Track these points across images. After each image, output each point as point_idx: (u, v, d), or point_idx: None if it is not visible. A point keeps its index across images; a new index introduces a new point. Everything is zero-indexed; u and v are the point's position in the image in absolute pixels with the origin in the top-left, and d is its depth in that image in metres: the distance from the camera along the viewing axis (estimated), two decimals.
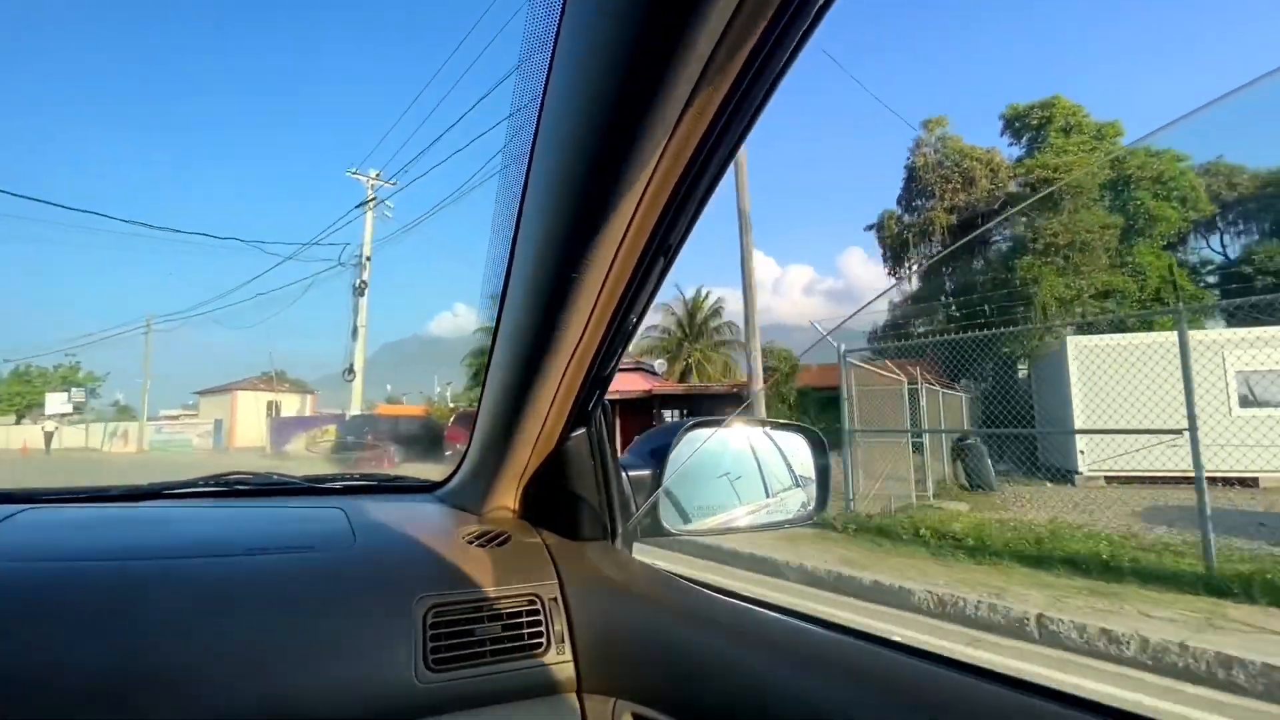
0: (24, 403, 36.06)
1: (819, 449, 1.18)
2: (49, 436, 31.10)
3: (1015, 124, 19.36)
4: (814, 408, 20.02)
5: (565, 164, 0.54)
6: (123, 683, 0.62)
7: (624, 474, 0.95)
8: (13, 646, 0.61)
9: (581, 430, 0.89)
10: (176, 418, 33.26)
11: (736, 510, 1.15)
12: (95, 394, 38.58)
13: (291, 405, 32.32)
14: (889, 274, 22.48)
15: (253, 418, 29.02)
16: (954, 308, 19.79)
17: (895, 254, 21.85)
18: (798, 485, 1.20)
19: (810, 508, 1.15)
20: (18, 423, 35.58)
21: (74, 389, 34.70)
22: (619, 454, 0.95)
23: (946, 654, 0.60)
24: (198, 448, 29.13)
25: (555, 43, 0.49)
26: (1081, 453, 9.86)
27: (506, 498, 0.96)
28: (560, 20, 0.47)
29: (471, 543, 0.87)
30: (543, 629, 0.79)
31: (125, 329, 31.61)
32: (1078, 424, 9.65)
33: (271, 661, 0.67)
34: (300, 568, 0.78)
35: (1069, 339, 10.65)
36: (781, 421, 1.26)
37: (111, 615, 0.66)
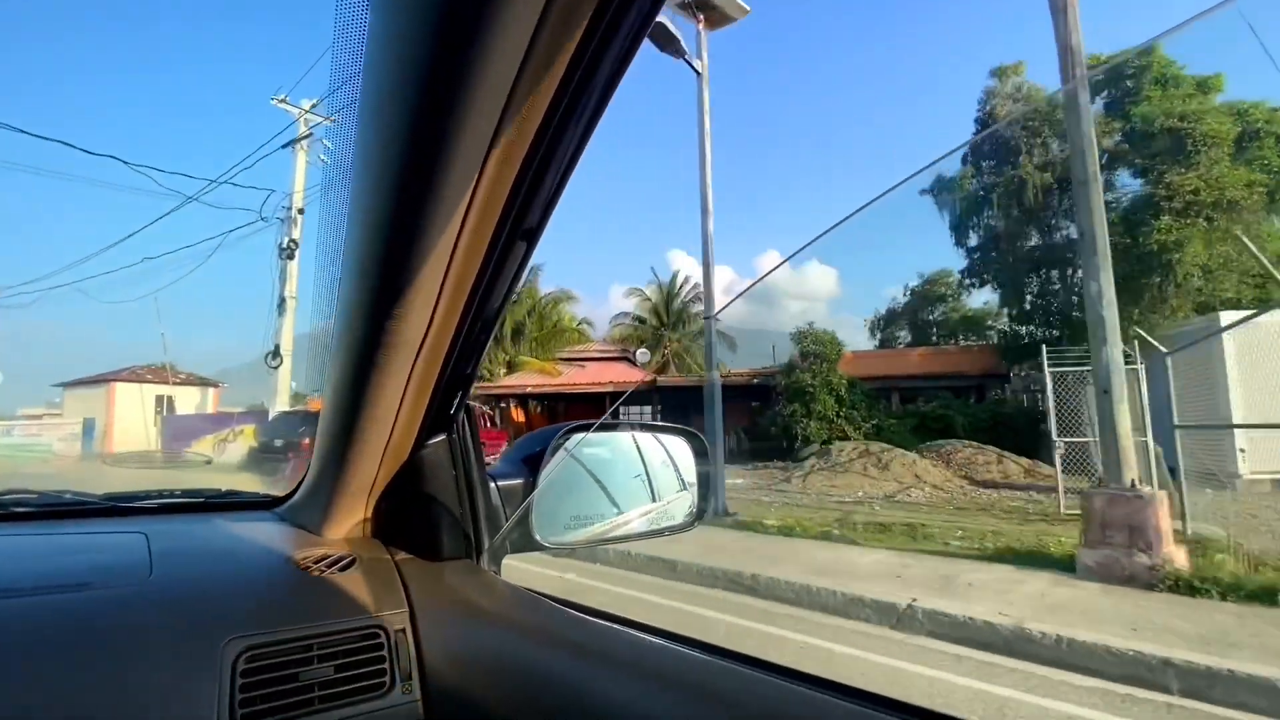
0: None
1: (700, 453, 1.14)
2: None
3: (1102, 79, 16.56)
4: (864, 403, 16.77)
5: (389, 145, 0.50)
6: None
7: (493, 484, 0.87)
8: None
9: (441, 437, 0.81)
10: (39, 417, 26.04)
11: (617, 519, 1.06)
12: None
13: (189, 401, 25.92)
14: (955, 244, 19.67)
15: (137, 416, 22.79)
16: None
17: (964, 218, 19.05)
18: (684, 490, 1.14)
19: (691, 514, 1.11)
20: None
21: None
22: (485, 463, 0.87)
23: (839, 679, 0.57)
24: (60, 453, 22.54)
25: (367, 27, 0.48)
26: (1243, 451, 8.78)
27: (354, 514, 0.86)
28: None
29: (308, 568, 0.77)
30: (386, 666, 0.70)
31: None
32: (1237, 417, 8.44)
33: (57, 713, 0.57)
34: (75, 610, 0.65)
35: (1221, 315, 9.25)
36: (663, 425, 1.19)
37: None
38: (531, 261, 0.65)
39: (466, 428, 0.84)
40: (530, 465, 0.93)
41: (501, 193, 0.53)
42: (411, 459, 0.81)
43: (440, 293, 0.60)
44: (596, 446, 1.06)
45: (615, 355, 24.72)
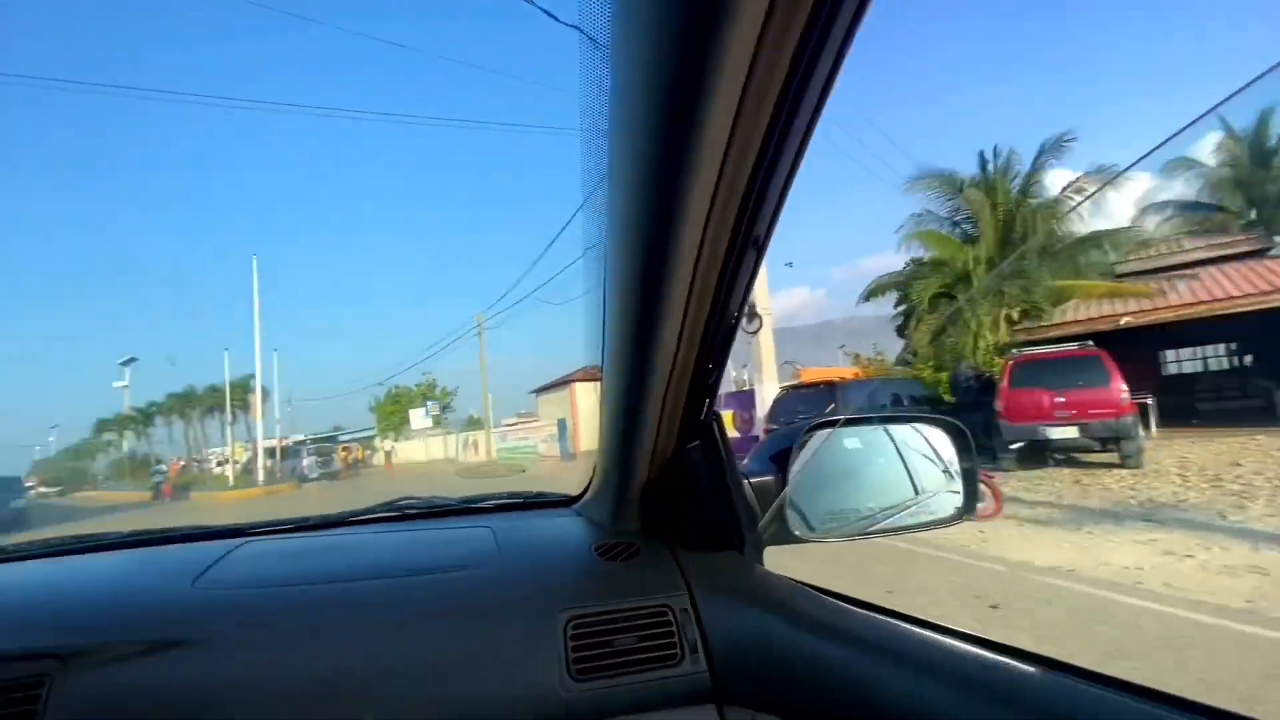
0: (398, 421, 37.30)
1: (963, 444, 1.12)
2: (387, 455, 32.50)
3: None
4: None
5: (632, 174, 0.55)
6: (316, 693, 0.71)
7: (746, 482, 0.93)
8: (233, 663, 0.72)
9: (697, 442, 0.88)
10: (514, 424, 30.02)
11: (876, 512, 1.07)
12: (449, 407, 38.58)
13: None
14: None
15: (593, 413, 23.14)
16: None
17: None
18: (950, 482, 1.11)
19: (960, 507, 1.08)
20: (396, 439, 36.81)
21: (430, 403, 34.41)
22: (736, 463, 0.91)
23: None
24: (544, 454, 24.47)
25: (606, 54, 0.51)
26: None
27: (631, 511, 0.96)
28: (608, 32, 0.49)
29: (603, 556, 0.91)
30: (675, 640, 0.80)
31: (460, 334, 29.51)
32: None
33: (434, 673, 0.74)
34: (454, 586, 0.85)
35: None
36: (920, 415, 1.21)
37: (308, 633, 0.76)
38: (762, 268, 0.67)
39: (717, 431, 0.89)
40: (779, 462, 0.97)
41: (734, 203, 0.56)
42: (675, 461, 0.89)
43: (686, 312, 0.65)
44: (849, 440, 1.12)
45: (1243, 249, 13.54)
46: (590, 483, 1.08)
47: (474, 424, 34.26)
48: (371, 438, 38.45)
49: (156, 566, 0.94)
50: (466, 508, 1.24)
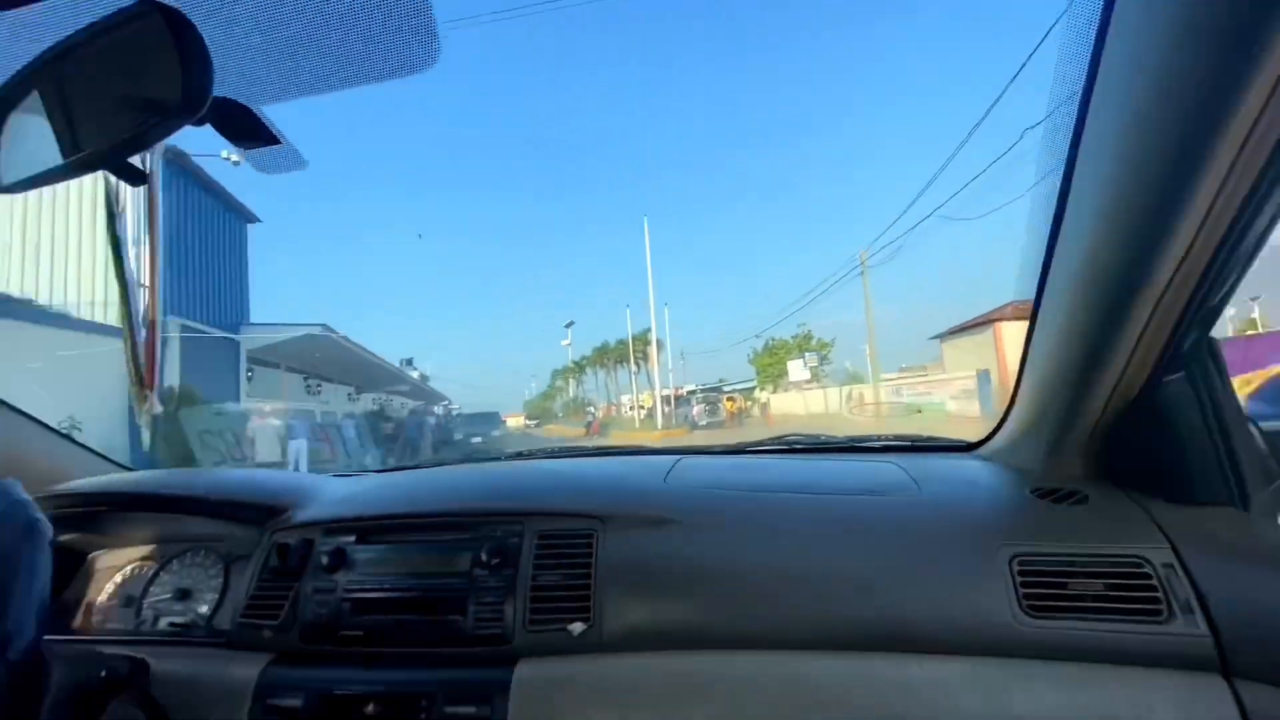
0: (776, 373, 36.82)
1: None
2: (763, 407, 30.77)
3: None
4: None
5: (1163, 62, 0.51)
6: (772, 577, 0.82)
7: (1253, 427, 0.79)
8: (705, 540, 0.87)
9: (1178, 374, 0.77)
10: (901, 377, 25.60)
11: None
12: (827, 359, 36.28)
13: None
14: None
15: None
16: None
17: None
18: None
19: None
20: (774, 391, 36.46)
21: (807, 355, 32.67)
22: (1239, 403, 0.77)
23: None
24: (955, 412, 19.63)
25: None
26: None
27: (1072, 454, 0.90)
28: None
29: (1042, 498, 0.86)
30: (1159, 595, 0.72)
31: (840, 275, 26.66)
32: None
33: (879, 584, 0.79)
34: (881, 509, 0.89)
35: None
36: None
37: (765, 529, 0.87)
38: None
39: (1211, 364, 0.77)
40: None
41: None
42: (1143, 398, 0.80)
43: (1205, 218, 0.56)
44: None
45: None
46: (1000, 426, 1.05)
47: (855, 378, 31.14)
48: (752, 389, 38.98)
49: (636, 468, 1.15)
50: (853, 446, 1.28)
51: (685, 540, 0.88)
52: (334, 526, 0.99)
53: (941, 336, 24.06)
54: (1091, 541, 0.77)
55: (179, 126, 0.56)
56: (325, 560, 0.94)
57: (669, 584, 0.84)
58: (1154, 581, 0.73)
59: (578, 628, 0.83)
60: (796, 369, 31.73)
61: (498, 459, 1.46)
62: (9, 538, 0.71)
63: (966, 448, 1.14)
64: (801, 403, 31.03)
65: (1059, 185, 0.67)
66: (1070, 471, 0.91)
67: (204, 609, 1.04)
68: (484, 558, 0.89)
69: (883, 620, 0.77)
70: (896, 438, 1.26)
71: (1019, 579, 0.75)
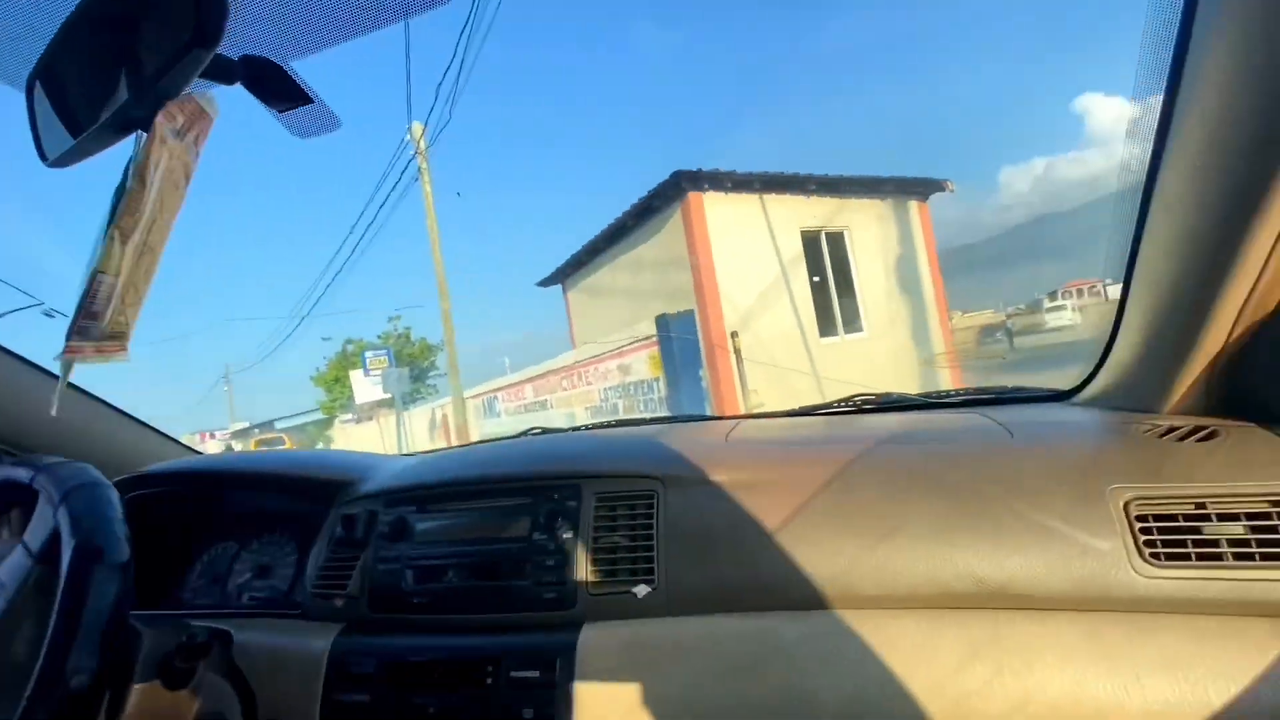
0: (347, 395, 25.02)
1: None
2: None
3: None
4: None
5: None
6: (854, 535, 0.75)
7: None
8: (768, 496, 0.82)
9: None
10: (500, 387, 17.71)
11: None
12: (427, 367, 25.93)
13: None
14: None
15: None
16: None
17: None
18: None
19: None
20: (358, 420, 24.73)
21: (371, 356, 20.82)
22: None
23: None
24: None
25: None
26: None
27: (1194, 388, 0.78)
28: None
29: (1161, 437, 0.76)
30: None
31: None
32: None
33: (965, 533, 0.72)
34: (969, 456, 0.81)
35: None
36: None
37: (835, 483, 0.80)
38: None
39: None
40: None
41: None
42: (1274, 321, 0.70)
43: None
44: None
45: None
46: (1096, 369, 0.97)
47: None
48: (320, 422, 26.60)
49: (701, 432, 1.14)
50: (928, 403, 1.20)
51: (750, 498, 0.83)
52: (395, 497, 1.00)
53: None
54: (1226, 480, 0.68)
55: (197, 66, 0.54)
56: (388, 530, 0.95)
57: (735, 543, 0.80)
58: None
59: (642, 590, 0.81)
60: (363, 385, 20.58)
61: (539, 436, 1.40)
62: (84, 552, 0.67)
63: (1059, 396, 1.07)
64: (378, 436, 20.25)
65: (1164, 84, 0.60)
66: (1195, 407, 0.81)
67: (282, 584, 1.07)
68: (543, 521, 0.89)
69: (977, 575, 0.70)
70: (979, 390, 1.20)
71: (1138, 523, 0.68)
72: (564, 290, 12.46)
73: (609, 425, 1.45)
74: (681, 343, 6.41)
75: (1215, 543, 0.65)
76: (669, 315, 6.45)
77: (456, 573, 0.89)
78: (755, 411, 1.41)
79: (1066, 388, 1.05)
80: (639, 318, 7.20)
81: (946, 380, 9.39)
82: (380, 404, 20.72)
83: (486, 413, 13.61)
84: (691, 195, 7.93)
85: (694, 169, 7.75)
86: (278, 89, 0.66)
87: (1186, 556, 0.65)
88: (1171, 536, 0.66)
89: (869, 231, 9.37)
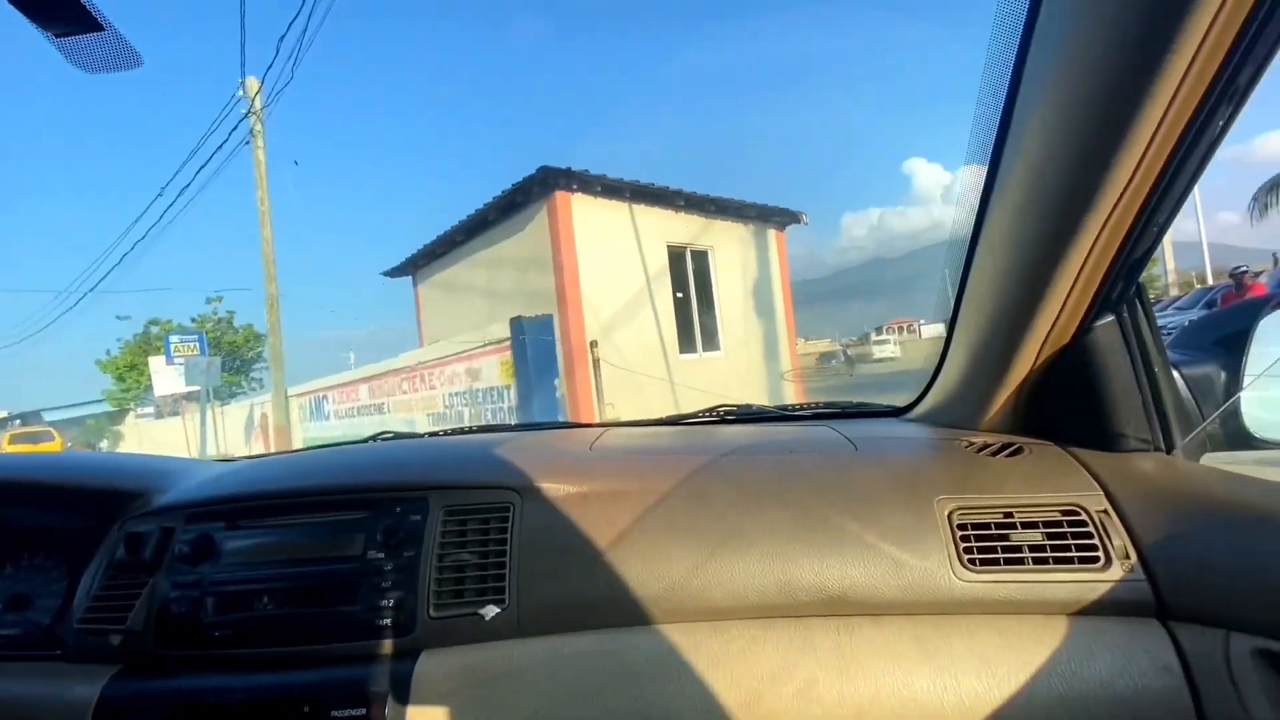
0: (144, 385, 21.20)
1: None
2: None
3: None
4: None
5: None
6: (707, 538, 0.76)
7: (1175, 371, 0.81)
8: (633, 506, 0.80)
9: (1109, 318, 0.77)
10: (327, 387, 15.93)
11: None
12: (248, 355, 22.90)
13: None
14: None
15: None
16: None
17: None
18: None
19: None
20: (158, 414, 21.13)
21: (175, 340, 17.29)
22: (1165, 348, 0.80)
23: None
24: None
25: None
26: None
27: (1005, 409, 0.88)
28: None
29: (978, 452, 0.85)
30: (1096, 542, 0.72)
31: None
32: None
33: (816, 538, 0.75)
34: (815, 466, 0.85)
35: None
36: None
37: (696, 493, 0.81)
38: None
39: (1140, 307, 0.78)
40: (1228, 347, 0.86)
41: (1220, 50, 0.49)
42: (1074, 344, 0.79)
43: (1139, 165, 0.58)
44: None
45: None
46: (926, 389, 1.05)
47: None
48: (100, 417, 22.28)
49: (562, 440, 1.09)
50: (786, 414, 1.26)
51: (612, 509, 0.81)
52: (199, 511, 0.88)
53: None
54: (1028, 492, 0.76)
55: None
56: (188, 550, 0.83)
57: (594, 557, 0.77)
58: (1090, 530, 0.73)
59: (490, 610, 0.76)
60: (164, 375, 17.43)
61: (391, 440, 1.28)
62: None
63: (895, 412, 1.15)
64: (184, 434, 17.66)
65: (993, 138, 0.67)
66: (1004, 425, 0.90)
67: (44, 618, 0.89)
68: (381, 538, 0.81)
69: (820, 584, 0.73)
70: (827, 405, 1.26)
71: (958, 532, 0.74)
72: (414, 283, 11.43)
73: (466, 431, 1.37)
74: (538, 349, 5.96)
75: (1019, 548, 0.72)
76: (525, 319, 5.98)
77: (272, 599, 0.80)
78: (623, 420, 1.37)
79: (901, 404, 1.14)
80: (494, 319, 6.66)
81: (794, 399, 9.84)
82: (188, 397, 17.87)
83: (313, 414, 12.10)
84: (559, 194, 7.56)
85: (563, 167, 7.39)
86: (54, 6, 0.56)
87: (997, 562, 0.72)
88: (985, 544, 0.73)
89: (732, 253, 9.61)
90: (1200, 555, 0.67)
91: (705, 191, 8.94)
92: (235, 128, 10.05)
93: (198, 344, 15.74)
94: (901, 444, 0.95)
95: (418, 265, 11.01)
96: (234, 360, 23.31)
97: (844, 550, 0.74)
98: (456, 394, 7.25)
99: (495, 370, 6.36)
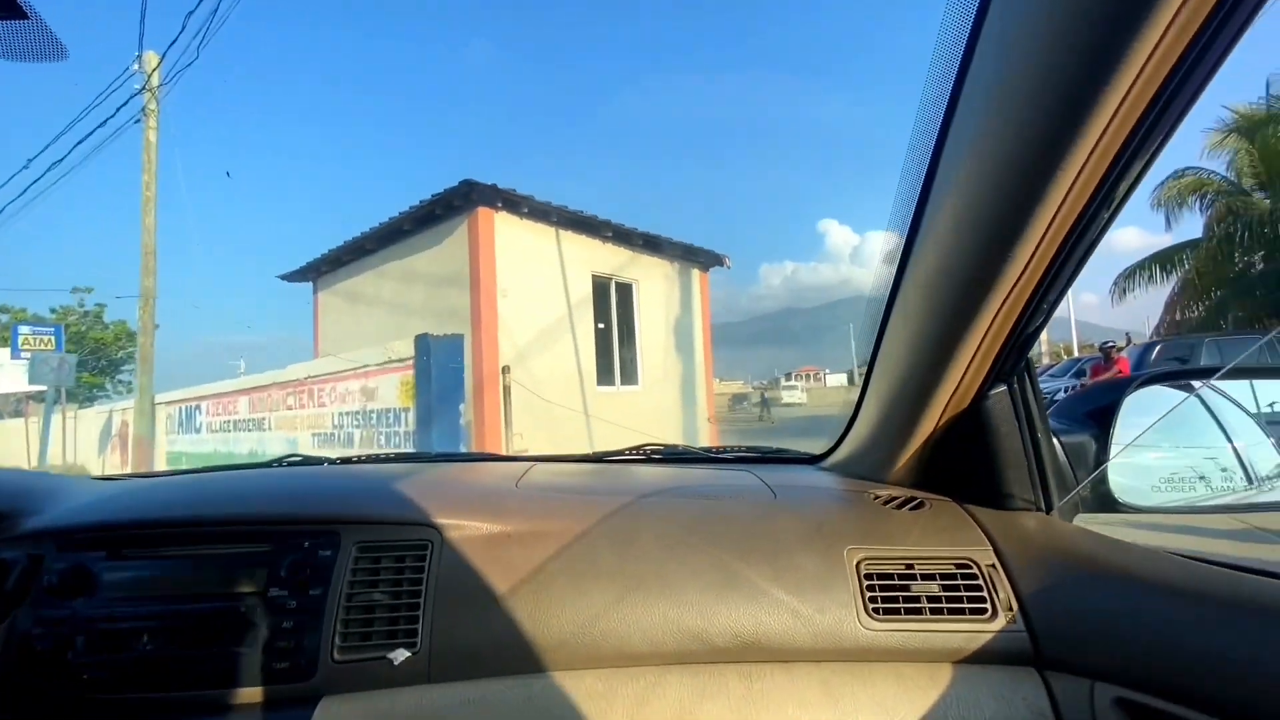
0: None
1: None
2: None
3: None
4: None
5: (1009, 99, 0.55)
6: (633, 589, 0.76)
7: (1055, 439, 0.88)
8: (552, 547, 0.80)
9: (1001, 388, 0.83)
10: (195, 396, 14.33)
11: (1231, 481, 0.95)
12: (128, 360, 20.59)
13: None
14: None
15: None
16: None
17: None
18: None
19: None
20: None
21: (23, 330, 14.70)
22: (1047, 417, 0.87)
23: None
24: None
25: None
26: None
27: (909, 464, 0.93)
28: None
29: (885, 504, 0.89)
30: (984, 594, 0.76)
31: None
32: None
33: (728, 586, 0.76)
34: (734, 512, 0.87)
35: None
36: None
37: (620, 535, 0.82)
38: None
39: (1027, 379, 0.84)
40: (1097, 420, 0.92)
41: (1105, 161, 0.54)
42: (971, 410, 0.84)
43: (1035, 252, 0.63)
44: (1192, 401, 1.00)
45: None
46: (840, 440, 1.08)
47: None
48: None
49: (485, 474, 1.08)
50: (709, 456, 1.28)
51: (534, 549, 0.80)
52: (74, 537, 0.81)
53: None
54: (927, 545, 0.80)
55: None
56: (57, 581, 0.76)
57: (513, 599, 0.76)
58: (980, 582, 0.77)
59: (400, 655, 0.72)
60: (6, 370, 15.06)
61: (319, 463, 1.24)
62: None
63: (812, 459, 1.18)
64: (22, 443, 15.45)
65: (911, 214, 0.71)
66: (908, 479, 0.94)
67: None
68: (285, 574, 0.76)
69: (736, 630, 0.74)
70: (750, 449, 1.30)
71: (865, 582, 0.77)
72: (315, 289, 10.59)
73: (381, 459, 1.32)
74: (444, 370, 5.53)
75: (918, 598, 0.76)
76: (432, 337, 5.54)
77: (154, 638, 0.73)
78: (550, 455, 1.36)
79: (817, 453, 1.17)
80: (402, 335, 6.16)
81: (709, 439, 9.83)
82: (35, 397, 15.59)
83: (183, 425, 10.80)
84: (482, 210, 7.23)
85: (489, 183, 7.09)
86: None
87: (898, 611, 0.76)
88: (889, 593, 0.77)
89: (656, 288, 9.58)
90: (1071, 609, 0.73)
91: (635, 226, 8.89)
92: (126, 103, 9.08)
93: (54, 337, 13.76)
94: (816, 493, 0.99)
95: (320, 271, 10.22)
96: (99, 360, 20.83)
97: (760, 597, 0.75)
98: (348, 413, 6.59)
99: (394, 390, 5.84)
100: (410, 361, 5.72)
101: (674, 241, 9.60)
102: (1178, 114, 0.51)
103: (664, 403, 9.45)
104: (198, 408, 10.38)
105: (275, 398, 8.11)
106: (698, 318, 10.27)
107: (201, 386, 10.47)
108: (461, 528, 0.81)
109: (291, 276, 10.65)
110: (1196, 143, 15.60)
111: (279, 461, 1.24)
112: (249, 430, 8.89)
